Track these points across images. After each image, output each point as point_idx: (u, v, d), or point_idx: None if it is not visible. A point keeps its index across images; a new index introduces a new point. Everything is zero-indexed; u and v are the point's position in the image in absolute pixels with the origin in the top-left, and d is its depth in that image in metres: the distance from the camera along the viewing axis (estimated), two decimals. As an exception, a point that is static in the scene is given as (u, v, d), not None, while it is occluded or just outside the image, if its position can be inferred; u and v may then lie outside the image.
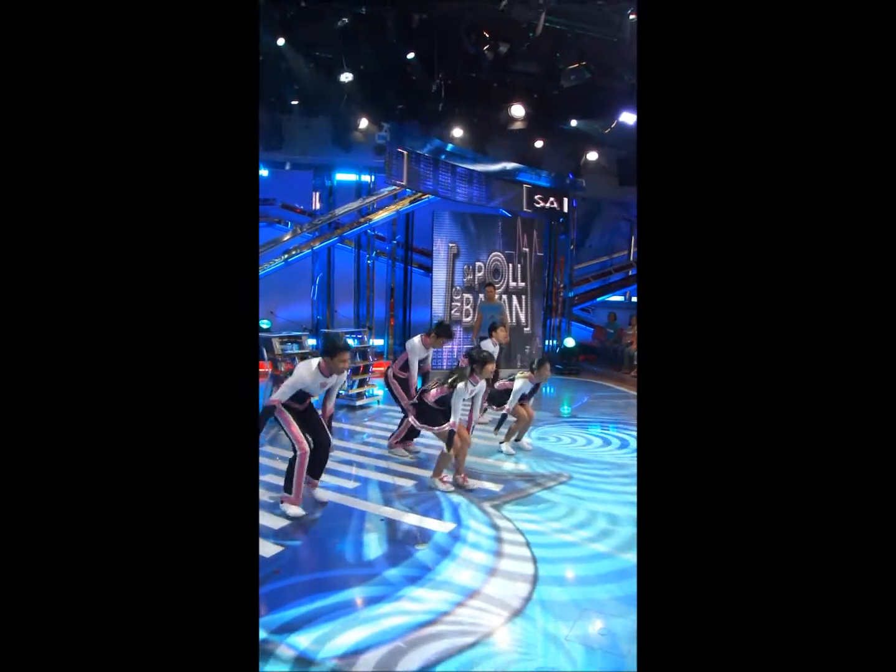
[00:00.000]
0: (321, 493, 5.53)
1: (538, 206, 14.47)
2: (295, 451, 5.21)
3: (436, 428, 6.04)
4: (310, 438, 5.31)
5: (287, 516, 5.12)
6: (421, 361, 7.65)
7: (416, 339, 7.59)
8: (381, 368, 13.40)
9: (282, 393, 5.12)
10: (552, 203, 14.63)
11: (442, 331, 7.50)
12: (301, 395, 5.26)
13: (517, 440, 7.63)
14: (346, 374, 5.56)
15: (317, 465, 5.40)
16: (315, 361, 5.25)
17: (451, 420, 5.90)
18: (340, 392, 10.27)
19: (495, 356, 8.61)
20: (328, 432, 5.48)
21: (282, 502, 5.23)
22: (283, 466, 5.37)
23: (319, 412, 5.52)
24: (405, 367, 7.51)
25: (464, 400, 6.07)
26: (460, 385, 5.95)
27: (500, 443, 7.51)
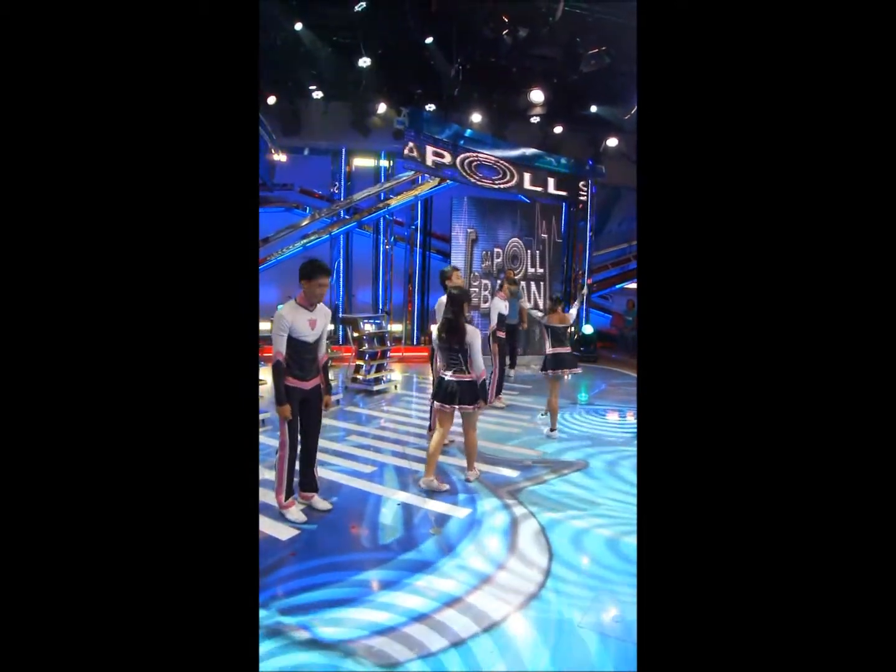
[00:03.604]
0: (320, 503, 5.16)
1: (408, 155, 12.84)
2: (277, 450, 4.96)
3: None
4: (300, 437, 4.98)
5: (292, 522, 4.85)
6: None
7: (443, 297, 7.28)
8: (399, 354, 13.56)
9: (276, 345, 4.71)
10: (442, 158, 13.16)
11: (445, 274, 7.32)
12: (299, 345, 4.81)
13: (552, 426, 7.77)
14: (329, 313, 5.09)
15: (307, 476, 5.11)
16: (290, 301, 4.86)
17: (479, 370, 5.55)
18: (357, 377, 10.31)
19: (506, 312, 9.48)
20: (317, 436, 5.16)
21: (282, 509, 4.93)
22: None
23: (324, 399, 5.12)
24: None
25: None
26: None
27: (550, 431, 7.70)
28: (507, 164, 13.88)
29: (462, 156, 13.29)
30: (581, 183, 14.78)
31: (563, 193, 14.74)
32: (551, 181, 14.48)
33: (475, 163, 13.51)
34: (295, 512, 4.92)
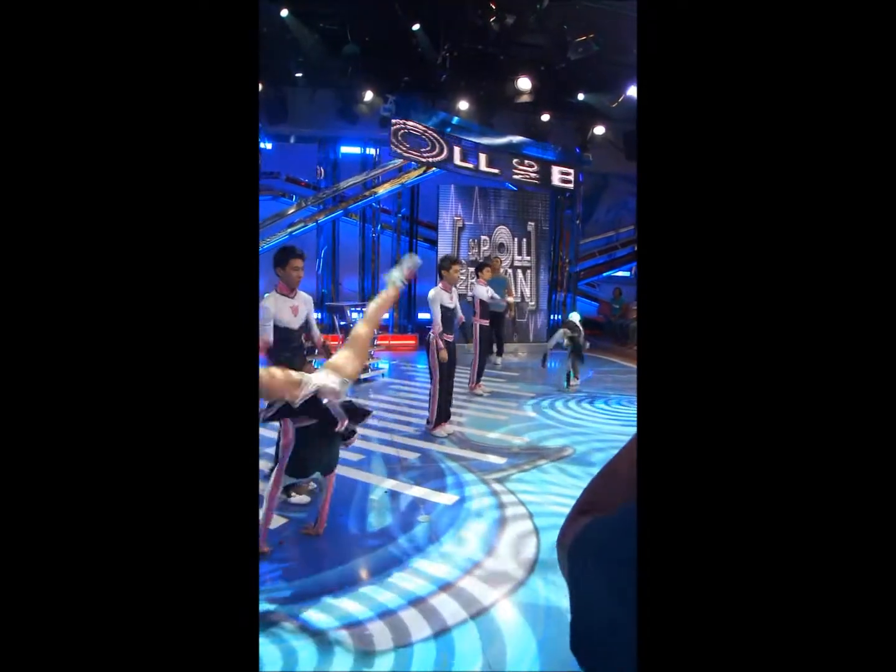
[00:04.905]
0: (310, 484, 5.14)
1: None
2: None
3: None
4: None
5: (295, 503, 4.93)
6: (450, 311, 7.27)
7: (434, 288, 7.28)
8: (386, 342, 13.56)
9: (263, 333, 4.74)
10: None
11: (444, 263, 7.38)
12: (284, 333, 4.93)
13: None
14: (311, 300, 5.24)
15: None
16: (272, 292, 4.99)
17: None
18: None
19: (486, 297, 9.61)
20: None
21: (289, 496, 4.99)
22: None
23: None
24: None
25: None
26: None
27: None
28: (435, 136, 12.97)
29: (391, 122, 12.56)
30: (515, 160, 13.93)
31: (496, 171, 13.88)
32: (483, 157, 13.57)
33: (402, 131, 12.63)
34: (299, 495, 5.03)
